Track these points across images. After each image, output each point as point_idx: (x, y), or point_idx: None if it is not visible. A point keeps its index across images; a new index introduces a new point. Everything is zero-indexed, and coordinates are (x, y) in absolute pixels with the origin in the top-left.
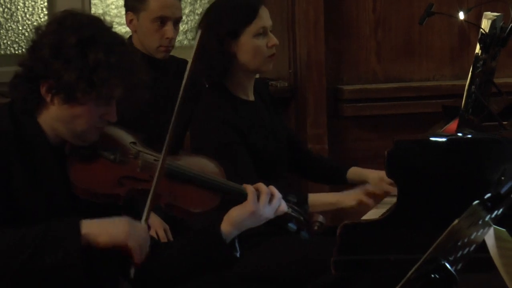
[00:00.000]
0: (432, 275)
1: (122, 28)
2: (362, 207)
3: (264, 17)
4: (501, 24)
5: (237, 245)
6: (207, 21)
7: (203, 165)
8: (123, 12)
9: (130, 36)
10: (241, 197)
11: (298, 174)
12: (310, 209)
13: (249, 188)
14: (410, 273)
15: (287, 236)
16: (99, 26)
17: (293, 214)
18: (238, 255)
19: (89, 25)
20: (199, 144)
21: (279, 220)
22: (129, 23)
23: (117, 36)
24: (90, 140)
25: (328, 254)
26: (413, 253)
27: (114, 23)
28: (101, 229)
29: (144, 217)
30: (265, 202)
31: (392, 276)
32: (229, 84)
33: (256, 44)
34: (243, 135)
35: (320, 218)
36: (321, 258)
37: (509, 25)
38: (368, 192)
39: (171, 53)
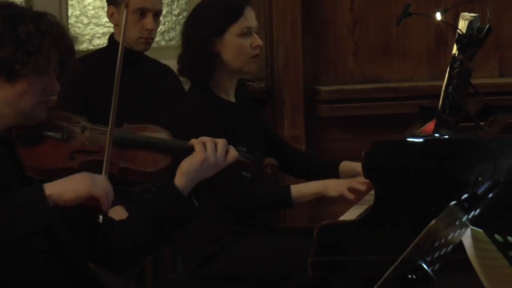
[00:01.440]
0: (409, 276)
1: (99, 29)
2: (344, 200)
3: (250, 17)
4: (478, 24)
5: (194, 198)
6: (193, 19)
7: (149, 130)
8: (100, 13)
9: (112, 34)
10: (190, 152)
11: (290, 174)
12: (294, 201)
13: (194, 140)
14: (387, 273)
15: (264, 236)
16: (21, 6)
17: (245, 160)
18: (197, 206)
19: (12, 5)
20: None
21: (233, 170)
22: (110, 16)
23: (39, 11)
24: (39, 118)
25: (305, 254)
26: (390, 253)
27: (92, 23)
28: (64, 187)
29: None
30: (212, 149)
31: (369, 277)
32: (212, 84)
33: (240, 43)
34: (227, 135)
35: (272, 160)
36: (298, 259)
37: (486, 25)
38: (352, 186)
39: (154, 57)
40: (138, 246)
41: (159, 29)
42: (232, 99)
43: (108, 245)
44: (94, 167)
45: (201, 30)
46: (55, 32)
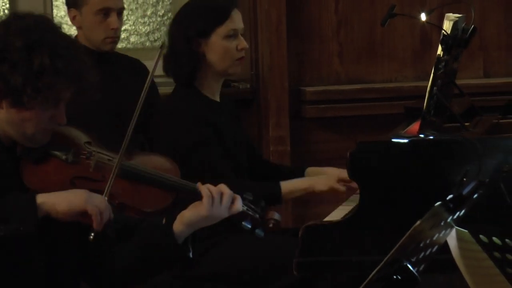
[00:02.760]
0: (394, 276)
1: None
2: (334, 193)
3: (236, 20)
4: (463, 25)
5: (190, 245)
6: (179, 19)
7: (157, 164)
8: None
9: (76, 36)
10: (195, 196)
11: (258, 179)
12: (283, 196)
13: (204, 191)
14: (372, 274)
15: (248, 236)
16: (46, 28)
17: (248, 212)
18: (191, 255)
19: (36, 28)
20: (169, 145)
21: (233, 218)
22: (73, 19)
23: (65, 38)
24: (40, 142)
25: (291, 255)
26: (376, 254)
27: (75, 27)
28: (58, 198)
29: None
30: (218, 203)
31: (354, 278)
32: (198, 84)
33: (225, 45)
34: (216, 131)
35: (276, 215)
36: (283, 259)
37: (471, 26)
38: (340, 178)
39: (126, 53)
40: (127, 275)
41: (144, 29)
42: (217, 99)
43: (97, 265)
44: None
45: (186, 31)
46: (71, 71)
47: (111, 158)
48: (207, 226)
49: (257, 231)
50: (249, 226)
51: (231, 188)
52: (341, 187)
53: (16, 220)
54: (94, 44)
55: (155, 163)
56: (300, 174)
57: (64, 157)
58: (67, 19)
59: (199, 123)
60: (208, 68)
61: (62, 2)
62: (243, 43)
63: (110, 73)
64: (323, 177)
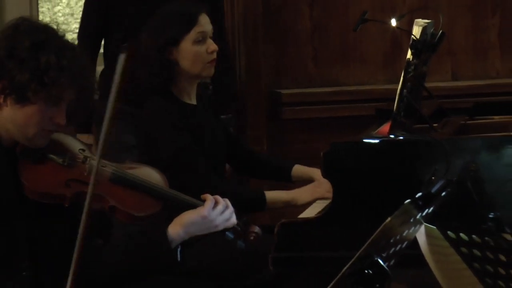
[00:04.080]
0: (366, 271)
1: (68, 35)
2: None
3: (204, 23)
4: (432, 30)
5: (179, 251)
6: (149, 29)
7: (147, 173)
8: (70, 19)
9: None
10: (182, 205)
11: (244, 174)
12: (268, 206)
13: (208, 196)
14: (345, 269)
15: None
16: (53, 31)
17: (235, 227)
18: (179, 259)
19: (44, 30)
20: (152, 153)
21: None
22: None
23: (68, 43)
24: (40, 144)
25: (267, 251)
26: (348, 250)
27: (61, 30)
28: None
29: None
30: (219, 211)
31: (328, 272)
32: (174, 89)
33: (195, 50)
34: (195, 134)
35: (257, 229)
36: (260, 255)
37: (439, 31)
38: (322, 197)
39: None
40: (110, 276)
41: None
42: (194, 102)
43: (88, 268)
44: (85, 199)
45: (157, 41)
46: (74, 69)
47: (104, 165)
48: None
49: (239, 242)
50: (232, 237)
51: (218, 190)
52: (325, 193)
53: None
54: None
55: (145, 172)
56: (287, 169)
57: (60, 160)
58: (52, 24)
59: (178, 130)
60: (182, 73)
61: (48, 9)
62: (212, 45)
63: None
64: (308, 188)
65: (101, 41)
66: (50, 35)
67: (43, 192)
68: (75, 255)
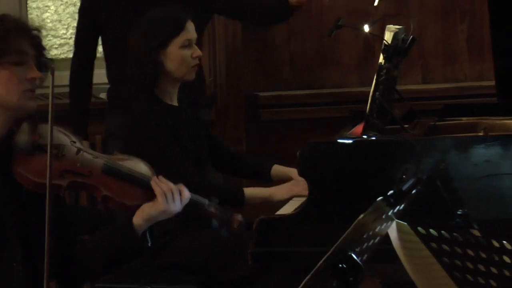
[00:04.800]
0: (340, 265)
1: (57, 40)
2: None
3: (190, 30)
4: (403, 36)
5: (148, 236)
6: (138, 32)
7: (136, 165)
8: (58, 25)
9: None
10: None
11: (225, 173)
12: (246, 202)
13: (157, 190)
14: (320, 263)
15: (208, 230)
16: None
17: (215, 212)
18: (149, 245)
19: None
20: (137, 150)
21: (203, 219)
22: None
23: (1, 14)
24: (29, 108)
25: (246, 246)
26: (323, 245)
27: (50, 35)
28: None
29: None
30: (171, 199)
31: (304, 267)
32: (157, 91)
33: (182, 54)
34: (175, 134)
35: (239, 217)
36: (239, 250)
37: (410, 37)
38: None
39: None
40: (91, 267)
41: None
42: (175, 103)
43: (69, 264)
44: (80, 189)
45: (145, 43)
46: (20, 26)
47: (96, 156)
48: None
49: (223, 231)
50: (217, 226)
51: (198, 190)
52: (302, 190)
53: None
54: None
55: (134, 163)
56: (266, 169)
57: (55, 151)
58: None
59: (160, 129)
60: (166, 75)
61: (37, 15)
62: (197, 51)
63: None
64: (285, 186)
65: (95, 47)
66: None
67: (40, 183)
68: (46, 245)
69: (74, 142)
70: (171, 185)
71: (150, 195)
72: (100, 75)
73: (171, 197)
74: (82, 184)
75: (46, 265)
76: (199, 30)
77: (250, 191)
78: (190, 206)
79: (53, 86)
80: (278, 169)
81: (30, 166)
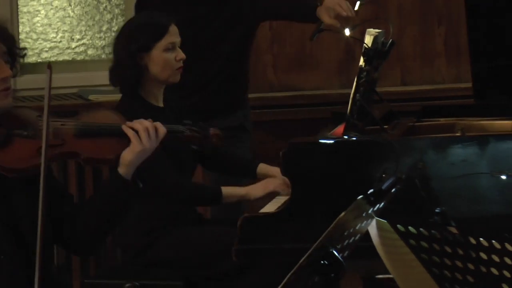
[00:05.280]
0: (322, 262)
1: (47, 44)
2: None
3: (174, 33)
4: (382, 39)
5: (137, 179)
6: (122, 36)
7: (104, 115)
8: (48, 29)
9: None
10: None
11: (213, 171)
12: (223, 200)
13: (129, 132)
14: (302, 259)
15: (193, 227)
16: None
17: (193, 135)
18: (141, 185)
19: None
20: None
21: (183, 145)
22: None
23: None
24: (2, 105)
25: (230, 243)
26: (306, 242)
27: (40, 39)
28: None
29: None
30: (146, 137)
31: (287, 263)
32: (142, 92)
33: (166, 57)
34: None
35: (217, 131)
36: (224, 247)
37: (389, 40)
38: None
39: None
40: (95, 224)
41: (100, 43)
42: (161, 104)
43: (72, 232)
44: (60, 159)
45: (130, 46)
46: None
47: (63, 123)
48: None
49: (206, 148)
50: (198, 147)
51: (177, 188)
52: (279, 189)
53: None
54: None
55: (101, 115)
56: (252, 166)
57: (25, 133)
58: (32, 34)
59: None
60: (151, 78)
61: (27, 20)
62: (181, 54)
63: None
64: (260, 184)
65: None
66: None
67: (21, 168)
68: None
69: (40, 116)
70: (144, 123)
71: (126, 141)
72: (88, 78)
73: (146, 136)
74: (60, 154)
75: (38, 248)
76: (246, 42)
77: (227, 190)
78: (168, 137)
79: (50, 87)
80: (263, 167)
81: (8, 156)
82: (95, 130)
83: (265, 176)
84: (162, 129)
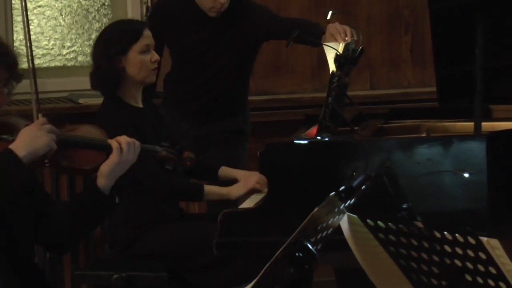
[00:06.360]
0: (297, 254)
1: (39, 51)
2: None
3: (148, 37)
4: (353, 46)
5: (114, 193)
6: (100, 41)
7: (88, 130)
8: (40, 37)
9: None
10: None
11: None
12: (205, 197)
13: (113, 143)
14: (278, 252)
15: (176, 222)
16: None
17: (168, 155)
18: (117, 200)
19: None
20: None
21: (158, 163)
22: None
23: None
24: None
25: (211, 236)
26: (281, 236)
27: (33, 46)
28: (31, 146)
29: None
30: (126, 150)
31: (264, 255)
32: (122, 94)
33: (141, 59)
34: (140, 134)
35: (191, 154)
36: (205, 240)
37: (359, 47)
38: (257, 180)
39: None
40: (70, 230)
41: (89, 50)
42: (140, 105)
43: (47, 231)
44: (42, 166)
45: (108, 51)
46: (1, 53)
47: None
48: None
49: (178, 169)
50: (171, 167)
51: (158, 182)
52: (258, 185)
53: (11, 181)
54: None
55: (84, 130)
56: (214, 170)
57: (10, 138)
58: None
59: (123, 130)
60: (129, 80)
61: (21, 28)
62: (155, 56)
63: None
64: (240, 183)
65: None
66: None
67: None
68: None
69: (27, 125)
70: (127, 138)
71: (104, 155)
72: (78, 83)
73: (127, 148)
74: (42, 162)
75: None
76: (250, 55)
77: (209, 188)
78: (144, 154)
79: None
80: (225, 170)
81: None
82: (77, 141)
83: (226, 179)
84: (137, 143)
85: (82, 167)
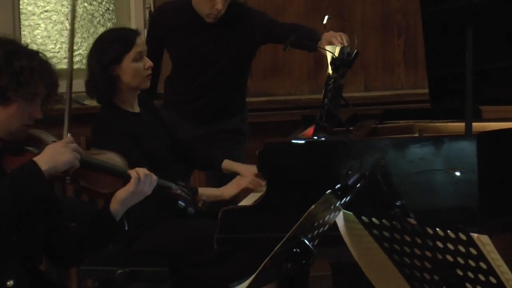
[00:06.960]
0: (294, 249)
1: (46, 54)
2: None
3: (141, 44)
4: (348, 50)
5: (124, 220)
6: (94, 50)
7: (110, 157)
8: (47, 41)
9: None
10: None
11: (181, 163)
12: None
13: (132, 173)
14: (277, 247)
15: (179, 219)
16: (18, 43)
17: (181, 194)
18: (126, 228)
19: (11, 42)
20: None
21: (171, 200)
22: None
23: (33, 50)
24: (20, 137)
25: (212, 233)
26: (279, 232)
27: (40, 50)
28: (53, 161)
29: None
30: (144, 182)
31: (263, 251)
32: (117, 101)
33: (135, 66)
34: (136, 140)
35: (204, 197)
36: (206, 237)
37: (354, 50)
38: (255, 174)
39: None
40: (75, 249)
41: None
42: (137, 110)
43: (58, 245)
44: (61, 181)
45: (101, 59)
46: (42, 68)
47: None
48: (137, 207)
49: (189, 209)
50: (183, 205)
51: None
52: (251, 185)
53: (30, 191)
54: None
55: (107, 156)
56: (218, 161)
57: (36, 151)
58: (32, 45)
59: (119, 137)
60: (124, 87)
61: (28, 32)
62: (148, 62)
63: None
64: (232, 183)
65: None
66: (17, 45)
67: None
68: None
69: (54, 141)
70: (146, 171)
71: (121, 183)
72: (83, 85)
73: (143, 180)
74: (64, 178)
75: None
76: (248, 58)
77: (203, 190)
78: (158, 189)
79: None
80: (228, 163)
81: (14, 165)
82: (99, 164)
83: (229, 172)
84: (154, 177)
85: (98, 190)
